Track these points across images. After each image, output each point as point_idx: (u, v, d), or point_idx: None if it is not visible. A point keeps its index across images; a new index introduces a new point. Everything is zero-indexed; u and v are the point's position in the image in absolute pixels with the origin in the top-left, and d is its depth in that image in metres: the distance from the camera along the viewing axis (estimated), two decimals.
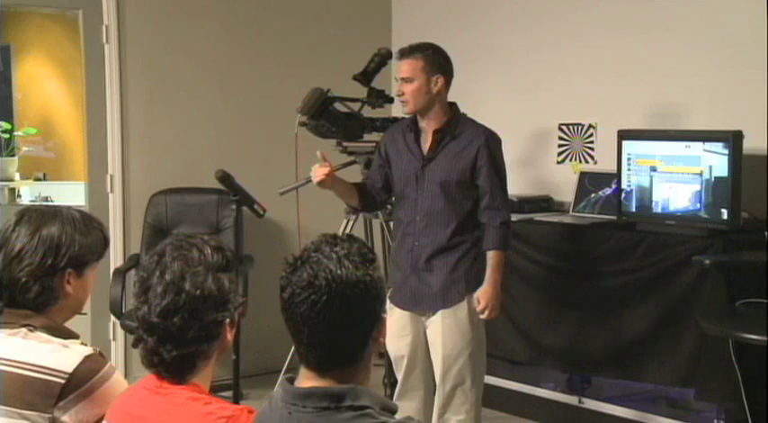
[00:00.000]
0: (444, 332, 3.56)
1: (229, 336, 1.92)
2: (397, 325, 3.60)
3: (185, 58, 5.18)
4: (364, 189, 3.79)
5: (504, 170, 3.63)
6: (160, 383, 1.87)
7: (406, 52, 3.58)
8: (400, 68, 3.59)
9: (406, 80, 3.55)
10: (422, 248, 3.59)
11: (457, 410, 3.61)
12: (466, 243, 3.59)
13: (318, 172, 3.53)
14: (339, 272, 1.64)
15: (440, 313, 3.58)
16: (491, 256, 3.55)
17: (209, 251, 1.89)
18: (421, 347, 3.68)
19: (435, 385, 3.68)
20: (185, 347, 1.84)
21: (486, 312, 3.54)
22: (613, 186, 4.35)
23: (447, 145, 3.57)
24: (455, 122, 3.60)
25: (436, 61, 3.57)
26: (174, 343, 1.83)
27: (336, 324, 1.64)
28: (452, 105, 3.64)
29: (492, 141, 3.58)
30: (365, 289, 1.65)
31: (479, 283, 3.57)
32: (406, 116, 3.71)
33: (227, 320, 1.90)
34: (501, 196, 3.59)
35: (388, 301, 2.17)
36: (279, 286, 1.68)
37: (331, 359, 1.67)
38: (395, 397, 3.71)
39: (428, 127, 3.60)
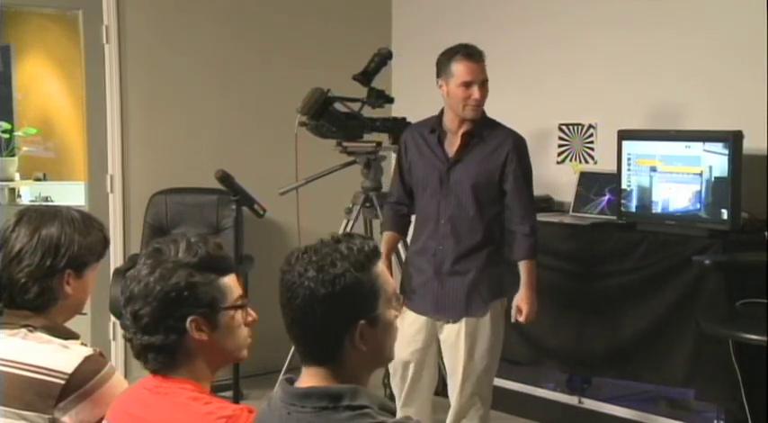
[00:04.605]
0: (467, 341, 3.46)
1: (202, 336, 1.87)
2: (409, 330, 3.48)
3: (185, 59, 5.18)
4: (403, 224, 3.74)
5: (531, 173, 3.55)
6: (160, 383, 1.87)
7: (480, 55, 3.43)
8: (474, 70, 3.40)
9: (484, 84, 3.42)
10: (445, 253, 3.49)
11: (471, 417, 3.57)
12: (490, 248, 3.50)
13: None
14: (331, 270, 1.64)
15: (462, 321, 3.48)
16: (524, 265, 3.50)
17: (184, 247, 1.88)
18: (431, 355, 3.60)
19: (439, 391, 3.66)
20: (154, 335, 1.84)
21: (525, 318, 3.53)
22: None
23: (474, 147, 3.48)
24: (483, 125, 3.50)
25: None
26: (145, 332, 1.84)
27: (317, 320, 1.65)
28: None
29: (521, 145, 3.51)
30: (349, 289, 1.65)
31: (501, 290, 3.52)
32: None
33: (193, 318, 1.85)
34: (529, 201, 3.53)
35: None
36: (279, 285, 1.69)
37: (312, 354, 1.69)
38: (400, 405, 3.61)
39: (459, 129, 3.49)
